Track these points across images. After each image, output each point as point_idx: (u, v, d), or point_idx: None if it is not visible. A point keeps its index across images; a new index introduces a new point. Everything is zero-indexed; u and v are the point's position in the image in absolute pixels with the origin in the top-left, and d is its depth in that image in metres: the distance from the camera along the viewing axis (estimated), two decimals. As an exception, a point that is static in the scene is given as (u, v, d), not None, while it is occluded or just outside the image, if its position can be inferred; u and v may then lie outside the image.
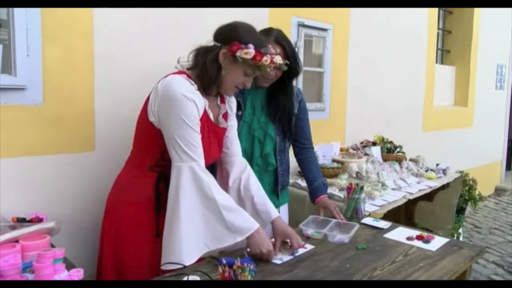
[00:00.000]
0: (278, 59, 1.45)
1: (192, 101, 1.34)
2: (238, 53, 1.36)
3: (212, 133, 1.48)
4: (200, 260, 1.41)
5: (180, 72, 1.42)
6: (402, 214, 3.04)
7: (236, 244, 1.42)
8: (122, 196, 1.47)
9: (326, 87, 3.13)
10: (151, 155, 1.43)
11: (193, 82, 1.38)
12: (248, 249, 1.44)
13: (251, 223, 1.39)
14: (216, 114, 1.52)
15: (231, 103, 1.60)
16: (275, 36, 1.68)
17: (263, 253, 1.40)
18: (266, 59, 1.39)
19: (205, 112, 1.42)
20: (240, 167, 1.61)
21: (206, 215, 1.34)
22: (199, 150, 1.35)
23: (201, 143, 1.37)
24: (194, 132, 1.34)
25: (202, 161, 1.36)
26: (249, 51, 1.35)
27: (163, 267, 1.32)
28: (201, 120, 1.39)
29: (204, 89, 1.41)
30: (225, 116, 1.56)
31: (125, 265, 1.44)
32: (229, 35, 1.39)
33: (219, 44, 1.40)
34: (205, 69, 1.39)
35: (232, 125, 1.61)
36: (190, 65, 1.44)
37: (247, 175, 1.60)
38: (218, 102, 1.54)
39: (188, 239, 1.32)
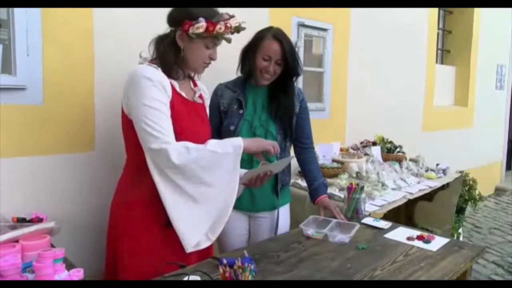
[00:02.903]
0: (234, 22, 1.45)
1: (153, 81, 1.33)
2: (190, 31, 1.38)
3: (192, 111, 1.49)
4: (201, 258, 1.41)
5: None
6: (402, 214, 3.04)
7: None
8: (125, 198, 1.46)
9: (326, 87, 3.13)
10: (141, 152, 1.39)
11: (157, 67, 1.39)
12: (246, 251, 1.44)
13: (233, 140, 1.42)
14: (192, 96, 1.54)
15: (203, 86, 1.63)
16: (273, 33, 1.71)
17: (269, 149, 1.49)
18: (220, 27, 1.40)
19: (176, 93, 1.42)
20: None
21: (204, 166, 1.34)
22: (165, 130, 1.32)
23: (168, 123, 1.35)
24: (158, 112, 1.32)
25: (171, 138, 1.33)
26: (200, 25, 1.37)
27: (193, 249, 1.36)
28: (173, 101, 1.39)
29: (168, 74, 1.42)
30: (201, 97, 1.59)
31: (141, 261, 1.41)
32: (179, 16, 1.41)
33: (173, 28, 1.43)
34: (163, 55, 1.42)
35: None
36: (152, 57, 1.46)
37: None
38: (192, 86, 1.57)
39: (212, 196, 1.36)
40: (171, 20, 1.45)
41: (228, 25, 1.43)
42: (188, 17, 1.38)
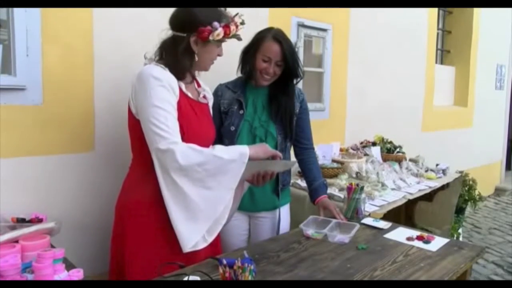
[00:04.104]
0: (239, 20, 1.49)
1: (161, 81, 1.34)
2: (211, 38, 1.40)
3: (198, 111, 1.50)
4: (201, 257, 1.41)
5: None
6: (402, 214, 3.04)
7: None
8: (132, 198, 1.45)
9: (326, 87, 3.13)
10: (148, 152, 1.39)
11: (164, 67, 1.40)
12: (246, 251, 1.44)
13: (240, 147, 1.42)
14: (197, 96, 1.55)
15: (206, 87, 1.65)
16: (273, 34, 1.72)
17: (276, 154, 1.51)
18: (233, 28, 1.44)
19: (183, 93, 1.44)
20: None
21: (210, 170, 1.34)
22: (172, 130, 1.32)
23: (175, 123, 1.35)
24: (166, 113, 1.33)
25: (177, 139, 1.33)
26: (219, 32, 1.40)
27: (190, 249, 1.35)
28: (180, 102, 1.40)
29: (177, 77, 1.42)
30: (205, 97, 1.61)
31: (149, 261, 1.40)
32: (190, 23, 1.42)
33: (184, 34, 1.42)
34: (177, 60, 1.42)
35: None
36: (158, 58, 1.47)
37: None
38: (196, 87, 1.58)
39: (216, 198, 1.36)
40: (181, 25, 1.44)
41: (237, 23, 1.46)
42: (201, 23, 1.39)
